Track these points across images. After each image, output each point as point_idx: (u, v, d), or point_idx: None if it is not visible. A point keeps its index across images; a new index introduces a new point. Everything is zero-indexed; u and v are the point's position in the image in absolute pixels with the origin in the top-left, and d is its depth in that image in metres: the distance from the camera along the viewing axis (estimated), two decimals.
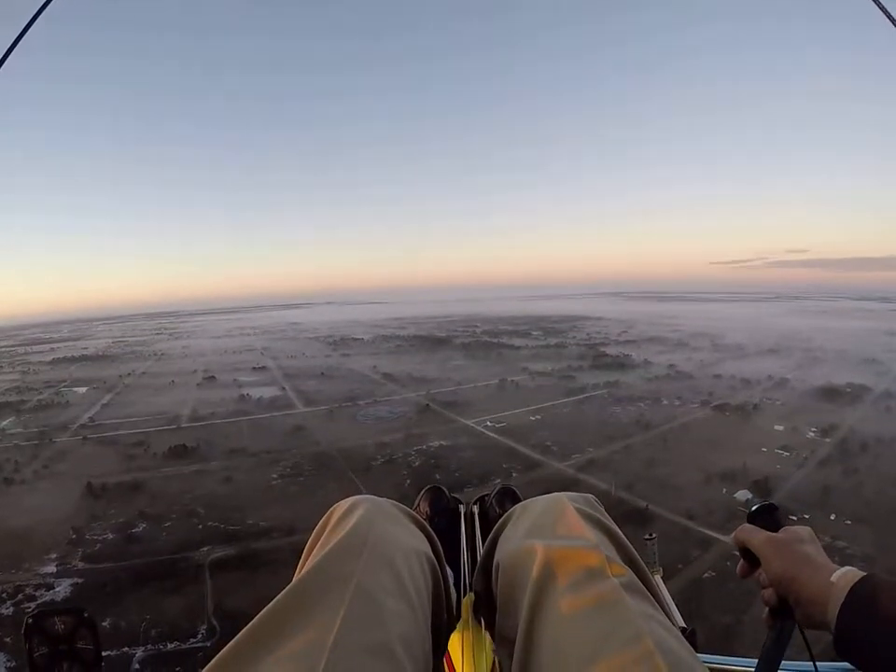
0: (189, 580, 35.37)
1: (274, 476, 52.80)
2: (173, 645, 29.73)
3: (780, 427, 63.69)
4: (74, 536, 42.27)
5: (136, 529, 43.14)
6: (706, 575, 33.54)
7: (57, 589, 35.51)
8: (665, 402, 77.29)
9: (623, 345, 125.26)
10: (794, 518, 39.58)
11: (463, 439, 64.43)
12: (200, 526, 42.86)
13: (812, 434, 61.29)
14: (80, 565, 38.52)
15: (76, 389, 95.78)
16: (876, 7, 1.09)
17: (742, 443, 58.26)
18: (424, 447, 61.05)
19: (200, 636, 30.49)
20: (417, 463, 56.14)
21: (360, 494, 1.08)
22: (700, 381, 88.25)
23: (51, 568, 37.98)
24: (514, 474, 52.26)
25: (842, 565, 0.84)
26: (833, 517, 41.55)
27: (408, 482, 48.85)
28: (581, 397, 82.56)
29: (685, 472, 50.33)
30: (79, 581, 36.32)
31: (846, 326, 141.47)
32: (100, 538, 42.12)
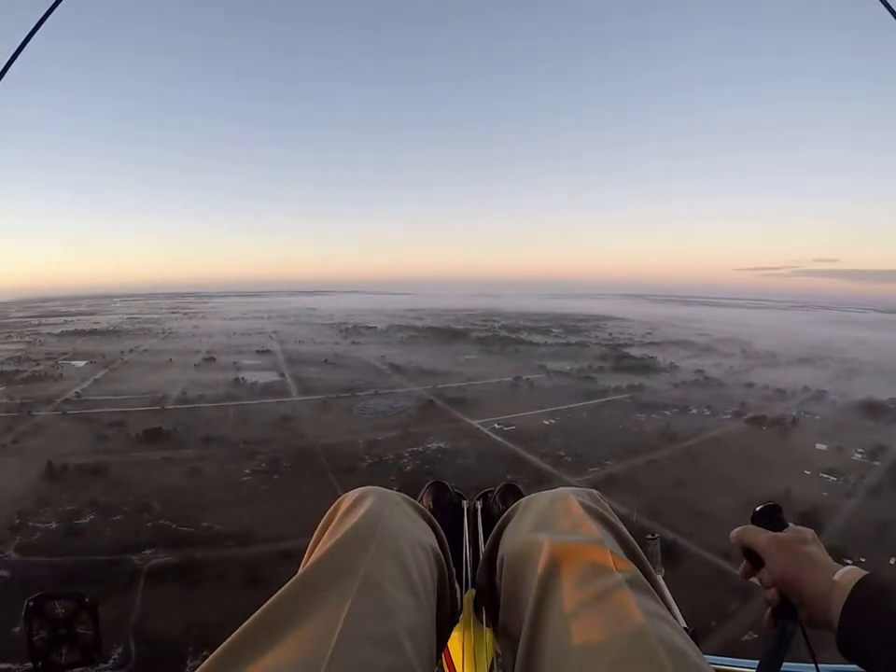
0: (118, 589, 30.35)
1: (247, 472, 48.09)
2: (79, 670, 24.53)
3: (823, 447, 58.08)
4: (17, 521, 38.76)
5: (83, 520, 39.08)
6: (746, 637, 26.91)
7: None
8: (694, 411, 71.54)
9: (648, 347, 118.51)
10: (849, 561, 33.39)
11: (465, 442, 59.05)
12: (149, 524, 38.33)
13: (859, 456, 55.79)
14: (13, 556, 34.84)
15: (74, 363, 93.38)
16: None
17: (782, 464, 52.64)
18: (420, 449, 55.91)
19: (111, 661, 25.44)
20: (409, 467, 50.77)
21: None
22: (731, 389, 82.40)
23: None
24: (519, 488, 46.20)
25: None
26: (893, 561, 35.95)
27: (395, 489, 43.12)
28: (602, 401, 76.70)
29: (719, 497, 43.62)
30: (5, 574, 32.46)
31: (878, 337, 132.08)
32: (43, 526, 38.35)
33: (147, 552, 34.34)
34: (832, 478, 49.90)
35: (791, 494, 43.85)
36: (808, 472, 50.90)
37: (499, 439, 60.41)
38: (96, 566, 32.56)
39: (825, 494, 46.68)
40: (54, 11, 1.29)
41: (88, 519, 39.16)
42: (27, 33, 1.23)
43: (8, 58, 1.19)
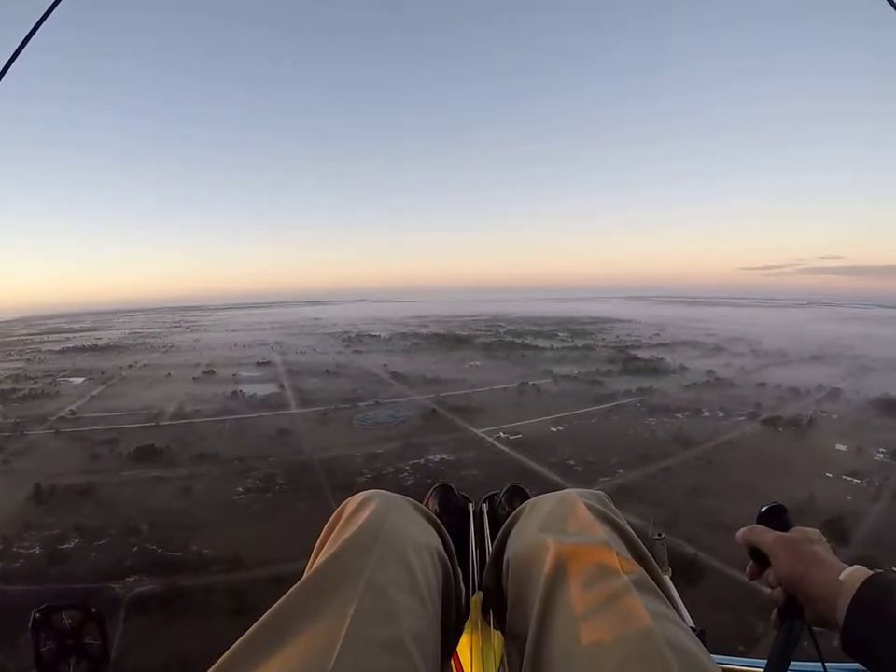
0: None
1: (240, 490, 46.19)
2: None
3: (843, 447, 55.84)
4: (1, 546, 37.65)
5: (67, 545, 37.42)
6: None
7: None
8: (707, 414, 69.16)
9: (656, 349, 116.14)
10: (880, 571, 31.38)
11: (470, 452, 56.80)
12: (135, 549, 36.41)
13: (881, 456, 53.60)
14: None
15: (71, 380, 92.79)
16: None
17: (802, 467, 50.43)
18: (421, 461, 53.82)
19: None
20: (410, 482, 48.44)
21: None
22: (743, 389, 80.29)
23: None
24: None
25: None
26: None
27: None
28: (611, 405, 74.37)
29: (738, 505, 41.06)
30: None
31: (886, 333, 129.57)
32: (26, 552, 36.85)
33: (131, 578, 32.44)
34: (854, 480, 47.86)
35: (814, 499, 41.91)
36: (830, 475, 48.83)
37: (505, 448, 58.26)
38: (76, 594, 30.56)
39: (849, 498, 44.61)
40: (46, 22, 1.24)
41: (72, 544, 37.50)
42: (21, 39, 1.19)
43: (3, 65, 1.16)
